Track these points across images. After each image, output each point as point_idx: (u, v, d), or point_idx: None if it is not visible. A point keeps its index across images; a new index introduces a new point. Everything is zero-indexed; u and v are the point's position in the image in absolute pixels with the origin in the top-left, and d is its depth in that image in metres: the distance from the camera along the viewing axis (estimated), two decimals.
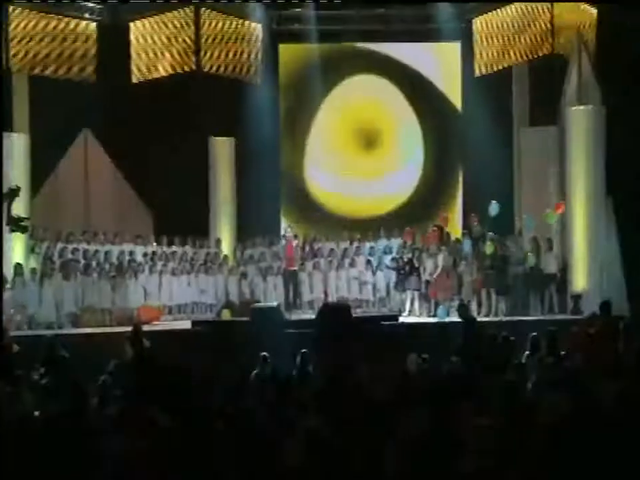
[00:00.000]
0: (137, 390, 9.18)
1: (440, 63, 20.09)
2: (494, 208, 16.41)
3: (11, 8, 16.19)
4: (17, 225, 14.67)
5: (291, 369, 10.07)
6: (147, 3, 17.03)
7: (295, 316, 15.88)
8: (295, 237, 17.48)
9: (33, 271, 16.21)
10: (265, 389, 9.08)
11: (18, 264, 16.06)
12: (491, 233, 16.45)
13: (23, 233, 15.71)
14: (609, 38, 16.00)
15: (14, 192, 14.62)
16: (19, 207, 14.47)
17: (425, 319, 15.86)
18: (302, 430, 6.69)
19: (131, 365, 10.91)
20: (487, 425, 6.20)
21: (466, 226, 17.95)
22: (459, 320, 13.39)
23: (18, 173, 16.54)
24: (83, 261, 16.80)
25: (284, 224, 19.74)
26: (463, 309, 13.97)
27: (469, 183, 19.64)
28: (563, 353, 10.77)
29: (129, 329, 13.13)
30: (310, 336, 13.00)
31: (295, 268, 16.84)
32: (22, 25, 16.33)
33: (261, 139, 18.95)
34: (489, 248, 16.34)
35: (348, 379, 9.79)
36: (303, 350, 10.51)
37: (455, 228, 18.37)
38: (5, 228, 13.64)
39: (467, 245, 16.73)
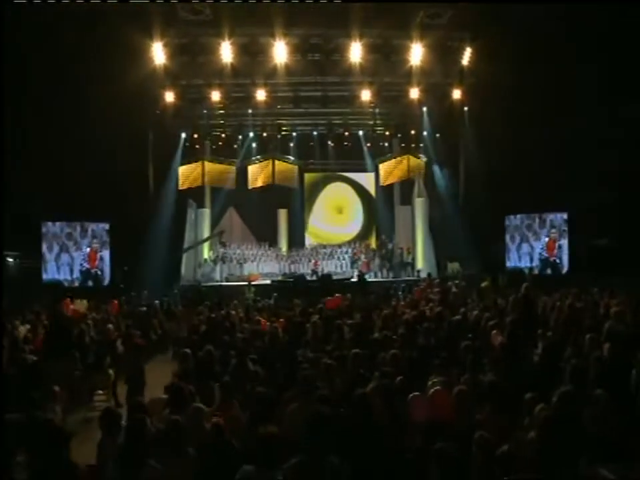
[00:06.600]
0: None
1: (367, 180, 19.41)
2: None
3: (206, 163, 15.77)
4: (223, 244, 16.06)
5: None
6: (255, 159, 16.79)
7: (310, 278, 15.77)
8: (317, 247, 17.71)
9: (212, 260, 16.28)
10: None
11: (205, 258, 16.23)
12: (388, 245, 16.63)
13: (223, 247, 16.50)
14: (429, 174, 16.12)
15: (221, 233, 16.28)
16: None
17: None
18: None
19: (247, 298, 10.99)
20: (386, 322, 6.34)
21: (377, 244, 17.92)
22: (363, 280, 13.49)
23: (206, 226, 16.75)
24: (228, 256, 16.80)
25: (307, 241, 19.19)
26: (361, 275, 13.97)
27: (380, 229, 19.00)
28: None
29: (246, 283, 13.30)
30: (315, 286, 13.04)
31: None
32: (209, 167, 16.05)
33: (297, 208, 18.85)
34: (384, 251, 16.55)
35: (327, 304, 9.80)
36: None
37: (373, 245, 18.34)
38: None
39: (378, 252, 16.89)
